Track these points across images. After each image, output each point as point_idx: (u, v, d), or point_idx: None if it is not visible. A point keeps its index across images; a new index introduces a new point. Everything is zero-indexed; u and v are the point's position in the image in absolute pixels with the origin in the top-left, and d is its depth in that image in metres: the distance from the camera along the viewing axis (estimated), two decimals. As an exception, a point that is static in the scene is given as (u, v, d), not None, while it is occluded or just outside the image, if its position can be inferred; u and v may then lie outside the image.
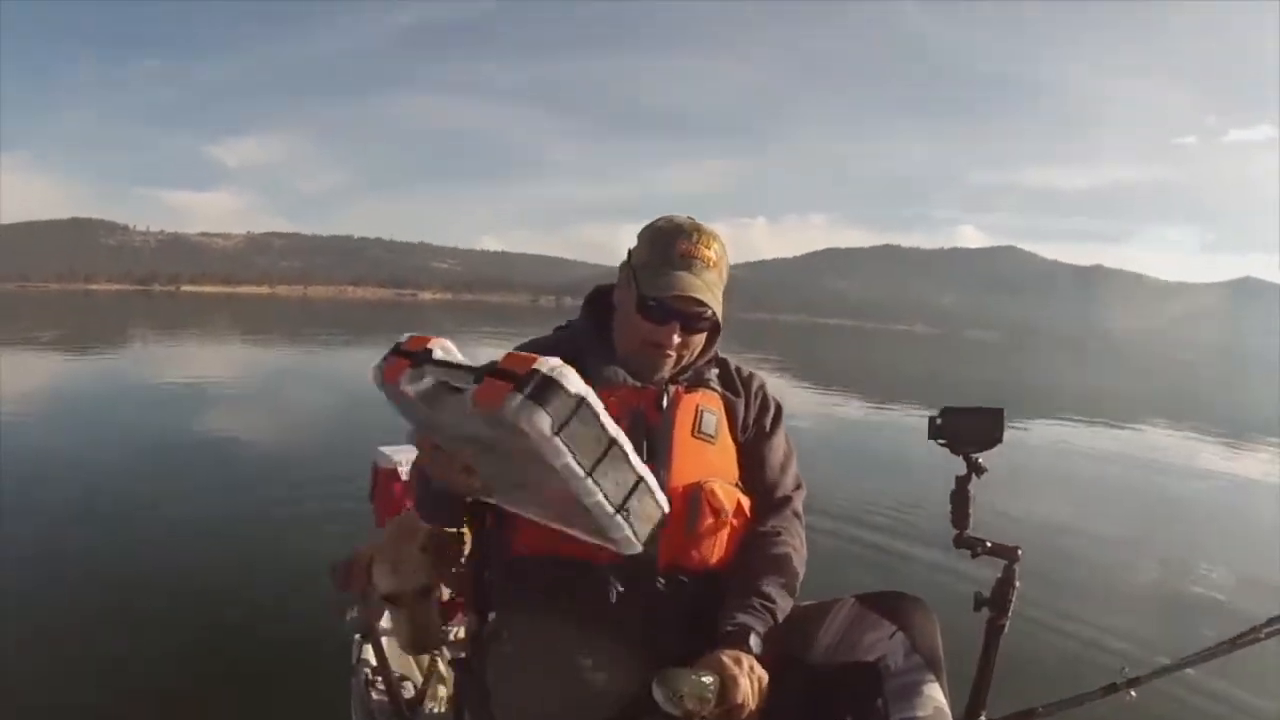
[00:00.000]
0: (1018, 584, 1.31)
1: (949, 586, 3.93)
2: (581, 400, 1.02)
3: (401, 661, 2.26)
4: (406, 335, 1.19)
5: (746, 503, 1.51)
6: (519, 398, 0.98)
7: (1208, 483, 9.37)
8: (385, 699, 1.81)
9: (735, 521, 1.47)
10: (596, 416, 1.03)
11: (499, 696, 1.38)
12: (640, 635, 1.37)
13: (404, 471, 2.40)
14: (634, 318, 1.48)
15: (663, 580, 1.41)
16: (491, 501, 1.31)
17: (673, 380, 1.53)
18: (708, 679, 1.17)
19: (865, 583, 4.25)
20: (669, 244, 1.46)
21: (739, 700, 1.19)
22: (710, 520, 1.44)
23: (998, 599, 1.32)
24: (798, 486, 1.60)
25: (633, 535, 1.09)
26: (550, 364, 1.01)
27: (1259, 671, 3.41)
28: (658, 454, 1.44)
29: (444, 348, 1.14)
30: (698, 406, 1.51)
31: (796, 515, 1.57)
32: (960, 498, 1.42)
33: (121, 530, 4.55)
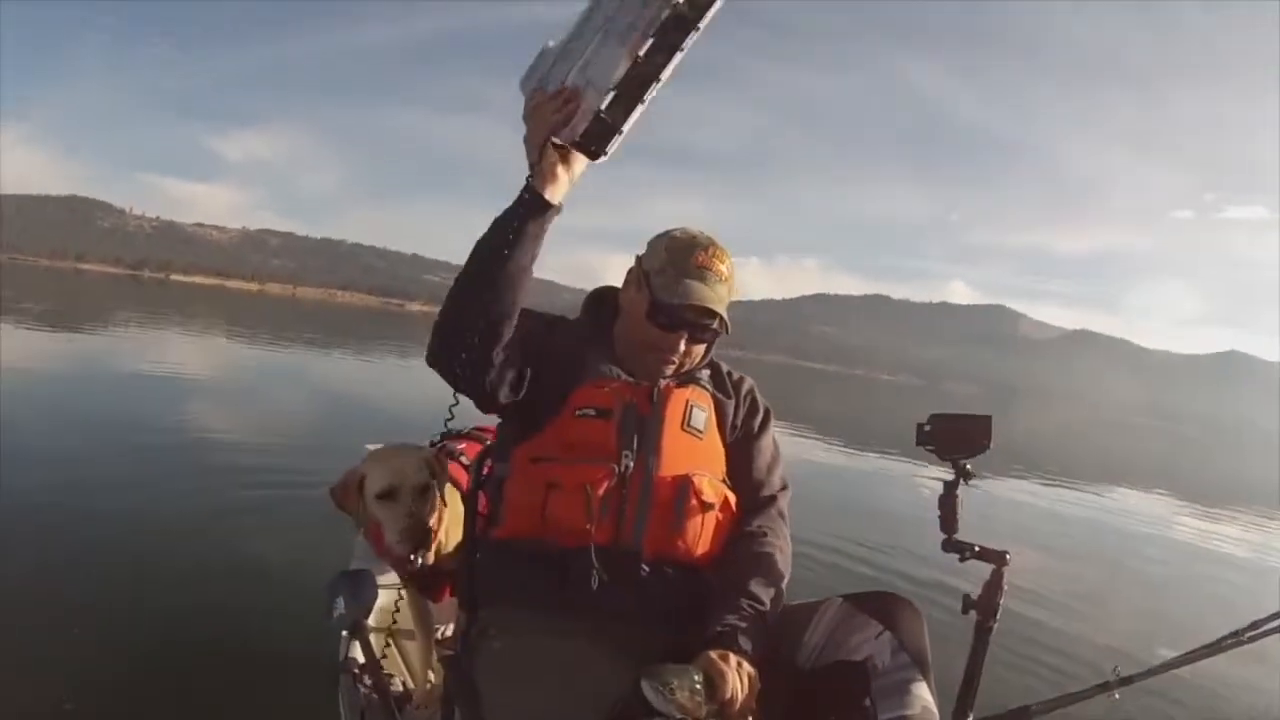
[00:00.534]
0: (1006, 587, 1.32)
1: (937, 589, 3.96)
2: None
3: (390, 659, 2.25)
4: None
5: (733, 498, 1.53)
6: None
7: (1168, 547, 9.36)
8: (374, 695, 1.80)
9: (720, 515, 1.49)
10: None
11: (488, 693, 1.38)
12: (625, 625, 1.37)
13: None
14: (642, 322, 1.50)
15: (647, 569, 1.42)
16: (568, 132, 1.25)
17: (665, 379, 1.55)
18: (696, 675, 1.18)
19: (852, 584, 4.29)
20: (686, 254, 1.49)
21: (728, 695, 1.19)
22: (696, 512, 1.45)
23: (986, 602, 1.32)
24: (784, 487, 1.62)
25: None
26: None
27: (1244, 672, 3.53)
28: (648, 445, 1.46)
29: None
30: (687, 402, 1.53)
31: (782, 515, 1.58)
32: (948, 503, 1.44)
33: (106, 527, 4.41)
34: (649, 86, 1.17)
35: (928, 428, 1.50)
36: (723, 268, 1.50)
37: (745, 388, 1.67)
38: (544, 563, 1.42)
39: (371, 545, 2.10)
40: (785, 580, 1.48)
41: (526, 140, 1.28)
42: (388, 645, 2.03)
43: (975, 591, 1.35)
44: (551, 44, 1.23)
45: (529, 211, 1.29)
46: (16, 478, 5.09)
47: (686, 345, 1.51)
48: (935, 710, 1.28)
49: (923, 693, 1.29)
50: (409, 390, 13.93)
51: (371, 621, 1.88)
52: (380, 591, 1.84)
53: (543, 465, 1.45)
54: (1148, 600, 5.28)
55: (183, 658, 2.98)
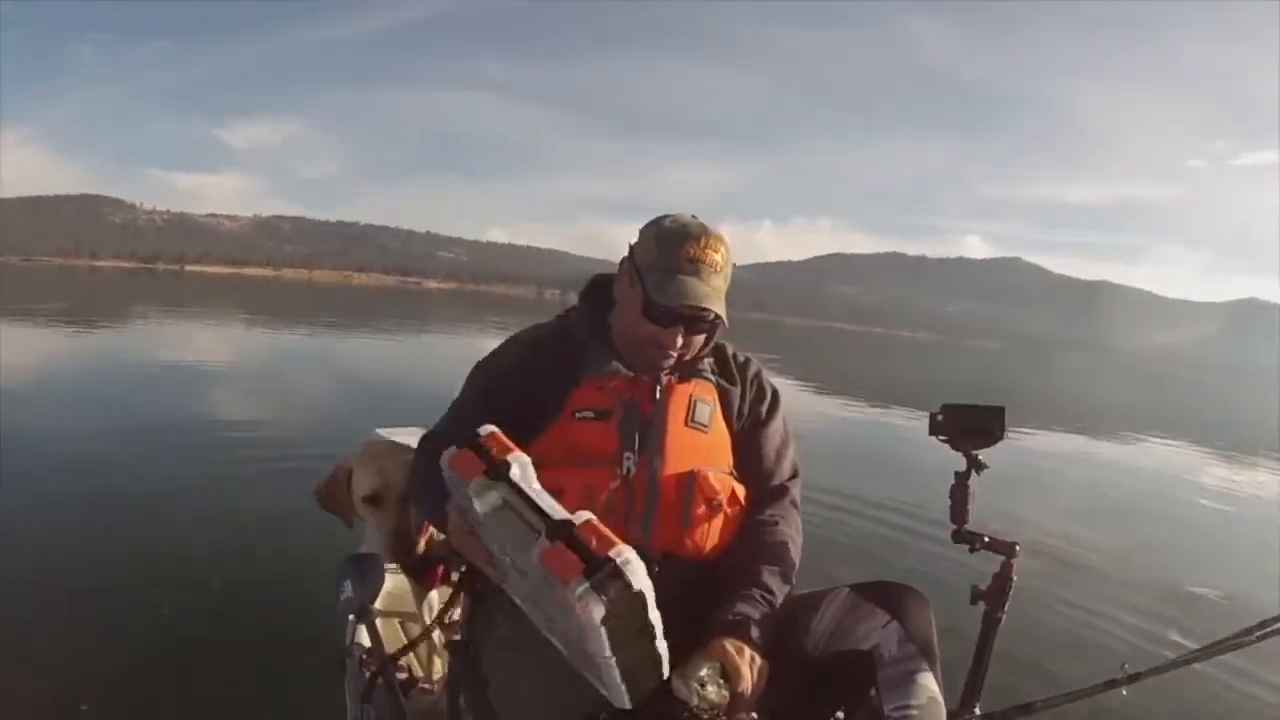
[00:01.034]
0: (1014, 579, 1.31)
1: (946, 579, 3.95)
2: (641, 597, 1.02)
3: (396, 644, 2.27)
4: (487, 430, 1.14)
5: (741, 491, 1.51)
6: (585, 585, 0.98)
7: (1205, 494, 9.36)
8: (380, 680, 1.81)
9: (729, 509, 1.48)
10: (645, 609, 1.04)
11: (494, 679, 1.39)
12: None
13: None
14: (637, 318, 1.48)
15: (656, 567, 1.41)
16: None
17: (667, 371, 1.54)
18: (717, 667, 1.20)
19: (860, 573, 4.28)
20: (676, 248, 1.45)
21: (740, 689, 1.20)
22: (703, 508, 1.44)
23: (994, 593, 1.32)
24: (794, 474, 1.60)
25: (625, 697, 1.10)
26: (625, 555, 1.00)
27: (1255, 671, 3.51)
28: (651, 444, 1.45)
29: (521, 466, 1.10)
30: (691, 397, 1.52)
31: (794, 504, 1.57)
32: (960, 493, 1.43)
33: (114, 509, 4.51)
34: None
35: (940, 418, 1.48)
36: (717, 258, 1.46)
37: (751, 372, 1.64)
38: None
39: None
40: (794, 570, 1.47)
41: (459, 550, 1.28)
42: (394, 630, 2.06)
43: (984, 581, 1.35)
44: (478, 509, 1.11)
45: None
46: (33, 466, 5.25)
47: (684, 339, 1.49)
48: (941, 701, 1.28)
49: (929, 684, 1.28)
50: (425, 367, 14.00)
51: (378, 606, 1.90)
52: (387, 576, 1.86)
53: (544, 471, 1.44)
54: (1169, 581, 5.22)
55: (190, 642, 3.04)
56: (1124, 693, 1.12)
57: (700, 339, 1.54)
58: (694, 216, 1.51)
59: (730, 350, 1.65)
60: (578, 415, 1.46)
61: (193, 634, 3.10)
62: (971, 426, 1.45)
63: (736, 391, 1.59)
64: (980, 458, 1.42)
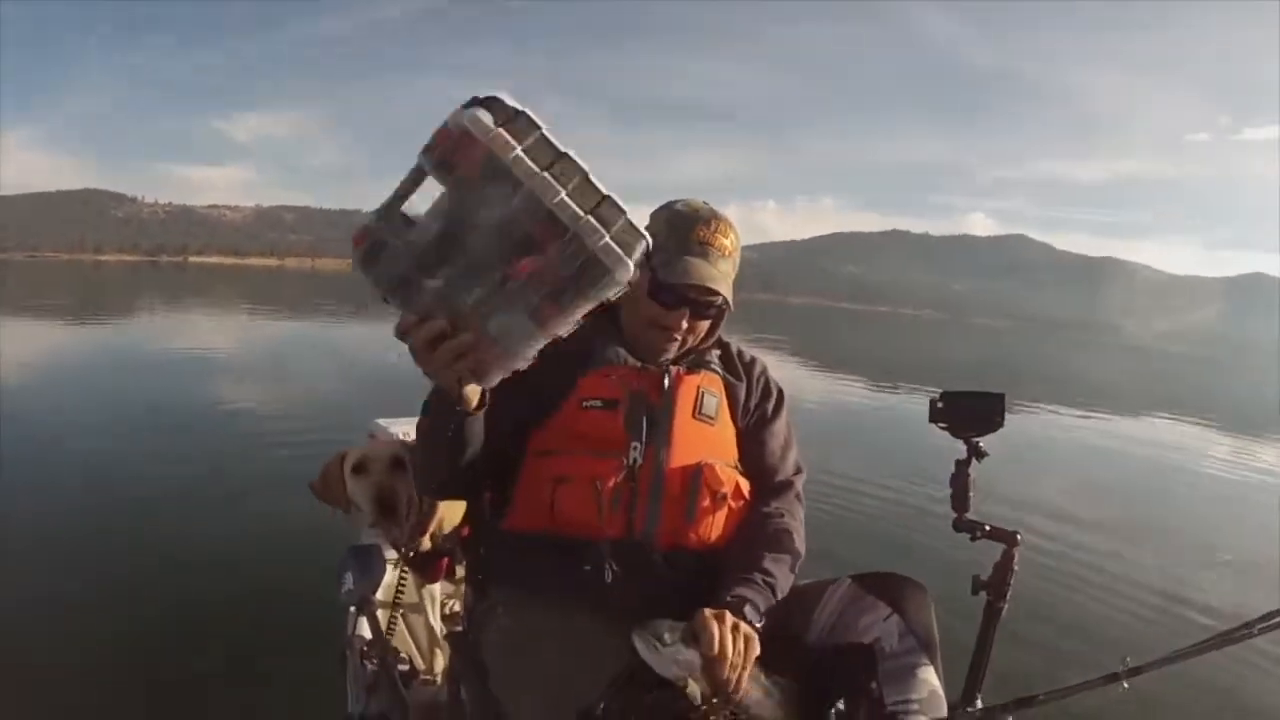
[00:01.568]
0: (1016, 568, 1.30)
1: (947, 568, 3.95)
2: (521, 112, 0.94)
3: (397, 636, 2.27)
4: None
5: (746, 485, 1.50)
6: (463, 110, 0.94)
7: (1211, 475, 9.35)
8: (381, 671, 1.81)
9: (734, 503, 1.46)
10: (539, 128, 0.95)
11: (495, 670, 1.39)
12: (636, 613, 1.36)
13: None
14: (644, 299, 1.47)
15: (660, 560, 1.40)
16: (481, 382, 1.11)
17: (675, 362, 1.52)
18: (684, 629, 1.17)
19: (861, 561, 4.29)
20: (687, 230, 1.45)
21: (714, 651, 1.15)
22: (709, 501, 1.43)
23: (996, 583, 1.30)
24: (798, 470, 1.59)
25: (615, 245, 0.95)
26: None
27: (1258, 663, 3.53)
28: (658, 435, 1.43)
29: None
30: (699, 388, 1.50)
31: (798, 498, 1.56)
32: (960, 481, 1.40)
33: (116, 502, 4.56)
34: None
35: (940, 405, 1.46)
36: (726, 242, 1.46)
37: (757, 369, 1.64)
38: (554, 554, 1.40)
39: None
40: (799, 560, 1.46)
41: (425, 372, 1.12)
42: (394, 621, 2.06)
43: (985, 571, 1.33)
44: (396, 227, 1.00)
45: (460, 422, 1.25)
46: (35, 459, 5.33)
47: (689, 323, 1.48)
48: (942, 695, 1.28)
49: (929, 677, 1.28)
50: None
51: (379, 597, 1.90)
52: (388, 568, 1.86)
53: (550, 458, 1.43)
54: (1172, 567, 5.21)
55: (192, 633, 3.07)
56: (1125, 685, 1.11)
57: (705, 325, 1.53)
58: (705, 203, 1.51)
59: (736, 347, 1.65)
60: (585, 404, 1.44)
61: (194, 625, 3.13)
62: (971, 414, 1.43)
63: (742, 387, 1.58)
64: (981, 445, 1.40)
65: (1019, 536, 1.31)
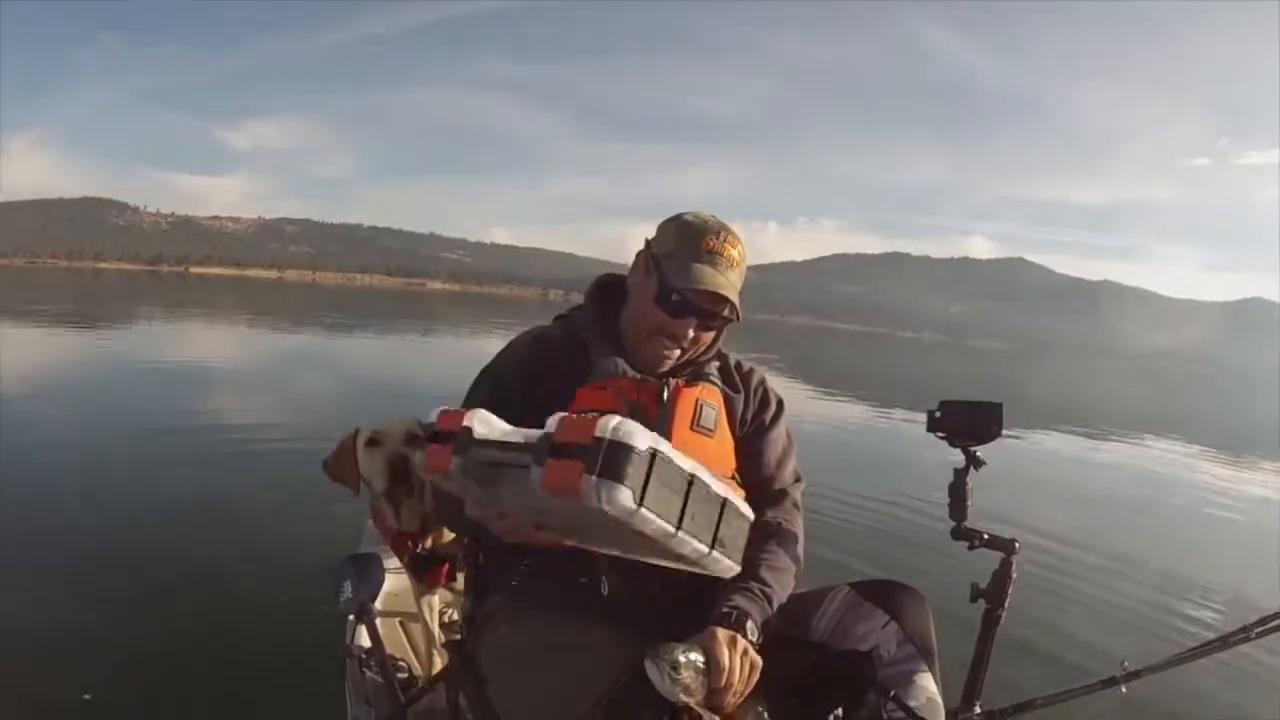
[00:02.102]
0: (1014, 576, 1.31)
1: (946, 576, 3.95)
2: (654, 455, 0.94)
3: (396, 644, 2.27)
4: (436, 412, 1.10)
5: (744, 495, 1.50)
6: (594, 480, 0.90)
7: (1204, 493, 9.35)
8: (380, 681, 1.81)
9: None
10: (671, 462, 0.96)
11: (493, 678, 1.38)
12: (632, 622, 1.36)
13: None
14: (650, 306, 1.48)
15: (656, 572, 1.41)
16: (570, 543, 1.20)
17: (673, 374, 1.52)
18: (698, 656, 1.16)
19: (860, 570, 4.30)
20: (698, 238, 1.46)
21: (722, 683, 1.17)
22: None
23: (994, 591, 1.31)
24: (797, 479, 1.59)
25: (730, 562, 1.07)
26: (611, 425, 0.93)
27: (1255, 668, 3.52)
28: None
29: (482, 421, 1.06)
30: (697, 400, 1.49)
31: (796, 507, 1.56)
32: (958, 490, 1.42)
33: (114, 511, 4.52)
34: None
35: (938, 415, 1.47)
36: (734, 253, 1.47)
37: (755, 380, 1.63)
38: (552, 565, 1.41)
39: (377, 528, 2.13)
40: (797, 570, 1.46)
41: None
42: (394, 630, 2.06)
43: (984, 579, 1.34)
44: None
45: None
46: (33, 467, 5.27)
47: (695, 332, 1.49)
48: (940, 702, 1.28)
49: (928, 684, 1.29)
50: (428, 368, 14.01)
51: (378, 606, 1.90)
52: (387, 576, 1.85)
53: None
54: (1168, 578, 5.22)
55: (190, 641, 3.04)
56: (1123, 690, 1.11)
57: (709, 337, 1.53)
58: (713, 215, 1.53)
59: (734, 360, 1.65)
60: (582, 416, 1.45)
61: (193, 634, 3.10)
62: (969, 423, 1.44)
63: (740, 399, 1.58)
64: (979, 454, 1.41)
65: (1017, 545, 1.32)
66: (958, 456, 1.48)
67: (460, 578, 2.11)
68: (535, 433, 0.99)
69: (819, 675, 1.36)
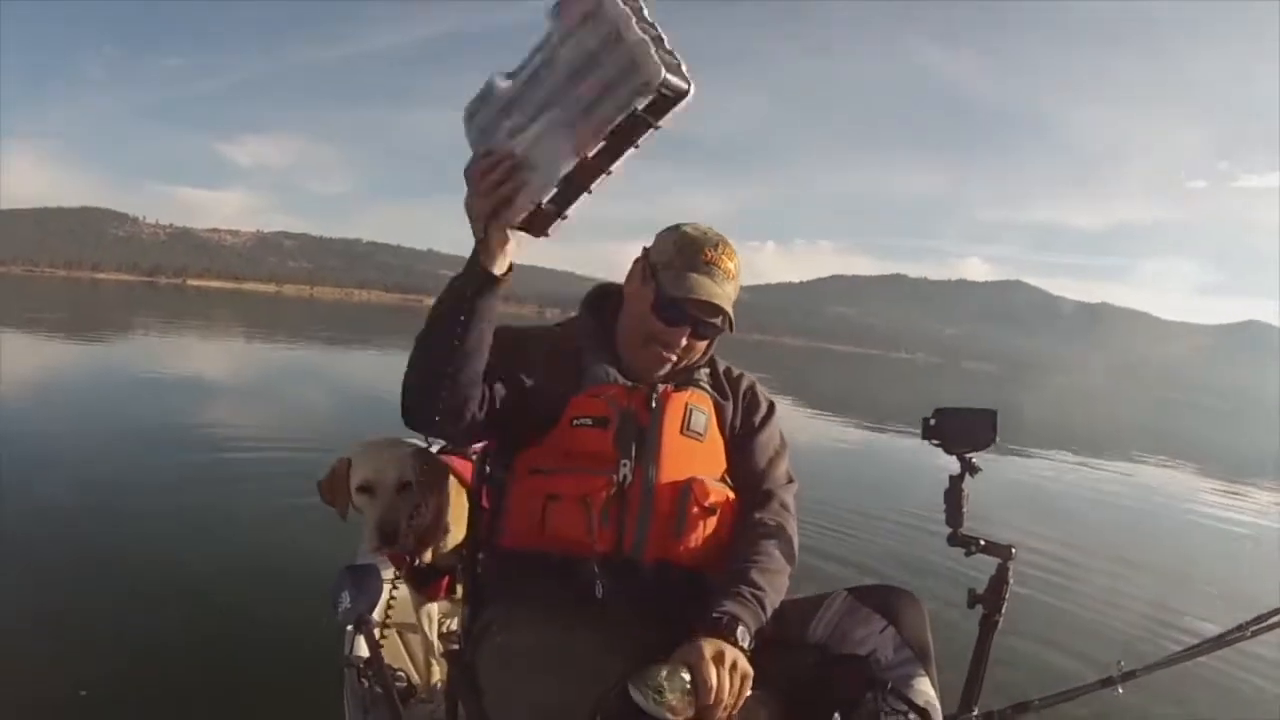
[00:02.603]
0: (1011, 582, 1.31)
1: (943, 582, 3.95)
2: None
3: (395, 654, 2.26)
4: None
5: (735, 499, 1.51)
6: None
7: (1198, 513, 9.40)
8: (378, 690, 1.81)
9: (723, 517, 1.48)
10: None
11: (490, 688, 1.38)
12: (627, 628, 1.36)
13: None
14: (646, 315, 1.49)
15: (650, 574, 1.42)
16: (510, 209, 1.22)
17: (664, 381, 1.54)
18: (684, 674, 1.16)
19: (857, 576, 4.29)
20: (696, 250, 1.48)
21: (710, 701, 1.16)
22: (698, 517, 1.44)
23: (991, 596, 1.32)
24: (789, 481, 1.60)
25: (653, 52, 1.08)
26: None
27: (1250, 667, 3.55)
28: (647, 452, 1.45)
29: None
30: (687, 405, 1.52)
31: (786, 508, 1.56)
32: (954, 497, 1.43)
33: (113, 521, 4.49)
34: (596, 178, 1.17)
35: (933, 422, 1.49)
36: (730, 265, 1.49)
37: (744, 385, 1.65)
38: (547, 572, 1.42)
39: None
40: (790, 571, 1.46)
41: (469, 209, 1.25)
42: (384, 639, 2.05)
43: (980, 585, 1.35)
44: (500, 82, 1.20)
45: (480, 286, 1.30)
46: (31, 476, 5.22)
47: (689, 340, 1.50)
48: (938, 705, 1.29)
49: (925, 687, 1.30)
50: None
51: (376, 616, 1.90)
52: (385, 587, 1.85)
53: (541, 476, 1.46)
54: (1161, 587, 5.26)
55: (191, 652, 3.02)
56: (1120, 690, 1.12)
57: (702, 346, 1.55)
58: (711, 228, 1.54)
59: (723, 365, 1.66)
60: (575, 422, 1.47)
61: (192, 646, 3.07)
62: (964, 430, 1.45)
63: (730, 405, 1.60)
64: (974, 461, 1.42)
65: (1013, 551, 1.33)
66: (952, 464, 1.50)
67: (459, 589, 2.11)
68: None
69: (817, 680, 1.36)
